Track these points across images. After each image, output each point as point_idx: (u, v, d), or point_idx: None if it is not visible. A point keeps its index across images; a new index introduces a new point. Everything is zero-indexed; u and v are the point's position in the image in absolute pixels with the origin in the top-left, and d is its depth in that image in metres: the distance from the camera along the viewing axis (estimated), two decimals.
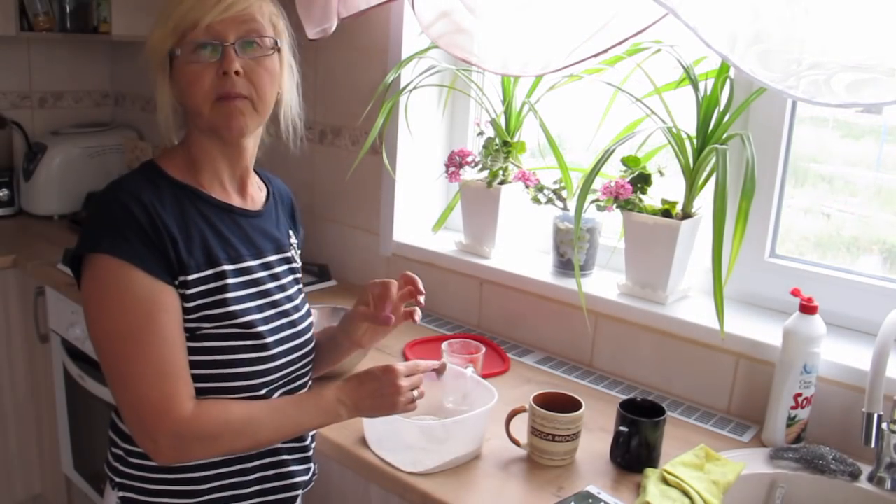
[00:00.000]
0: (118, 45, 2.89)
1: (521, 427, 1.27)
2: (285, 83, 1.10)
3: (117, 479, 1.10)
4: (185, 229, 1.02)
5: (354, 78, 2.05)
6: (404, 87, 1.84)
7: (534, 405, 1.25)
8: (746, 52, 1.17)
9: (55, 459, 2.34)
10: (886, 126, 1.50)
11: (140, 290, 0.97)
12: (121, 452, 1.11)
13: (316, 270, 2.12)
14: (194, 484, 1.06)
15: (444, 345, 1.49)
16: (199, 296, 1.02)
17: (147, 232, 0.98)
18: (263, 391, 1.07)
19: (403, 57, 1.88)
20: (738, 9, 1.18)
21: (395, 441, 1.23)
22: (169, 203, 1.02)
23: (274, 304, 1.11)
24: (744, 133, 1.44)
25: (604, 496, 1.15)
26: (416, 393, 1.12)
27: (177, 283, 1.00)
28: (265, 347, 1.07)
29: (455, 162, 1.84)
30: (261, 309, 1.08)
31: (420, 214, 2.05)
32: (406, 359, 1.64)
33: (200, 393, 1.01)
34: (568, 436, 1.24)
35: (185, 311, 1.01)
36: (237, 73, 1.01)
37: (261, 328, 1.07)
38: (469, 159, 1.84)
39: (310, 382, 1.21)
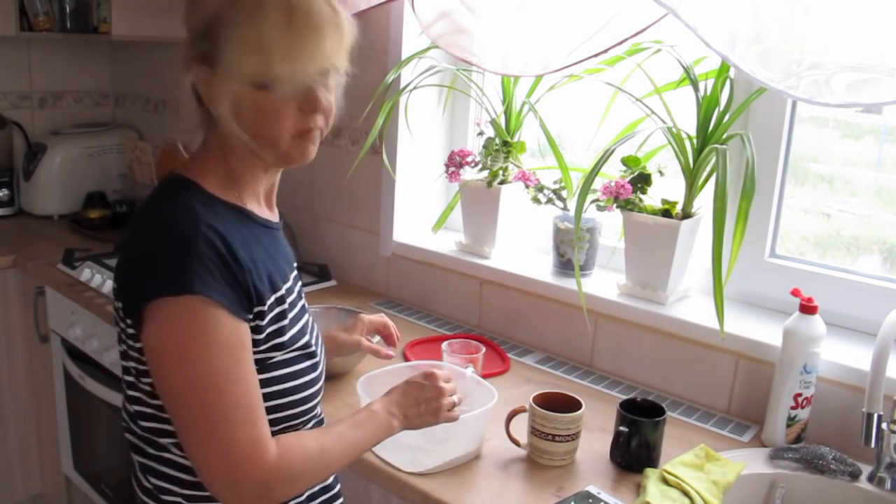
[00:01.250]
0: (118, 45, 2.89)
1: (521, 427, 1.27)
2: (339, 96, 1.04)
3: None
4: (251, 256, 0.95)
5: (354, 78, 2.05)
6: (404, 87, 1.84)
7: (534, 405, 1.25)
8: (746, 52, 1.17)
9: (55, 459, 2.34)
10: (886, 126, 1.50)
11: (225, 331, 0.89)
12: (179, 501, 1.01)
13: (316, 270, 2.12)
14: None
15: (444, 345, 1.49)
16: (270, 323, 0.97)
17: (231, 266, 0.91)
18: (317, 409, 1.06)
19: (403, 57, 1.88)
20: (738, 9, 1.18)
21: (395, 441, 1.23)
22: (232, 229, 0.94)
23: (309, 317, 1.09)
24: (744, 133, 1.44)
25: (604, 496, 1.15)
26: (454, 398, 1.13)
27: (252, 315, 0.94)
28: (317, 366, 1.05)
29: (455, 162, 1.84)
30: (308, 325, 1.06)
31: (420, 214, 2.05)
32: (406, 359, 1.64)
33: (271, 424, 0.95)
34: (568, 436, 1.24)
35: (256, 342, 0.95)
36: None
37: (313, 346, 1.05)
38: (469, 159, 1.84)
39: None
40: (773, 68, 1.17)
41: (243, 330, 0.92)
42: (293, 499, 1.04)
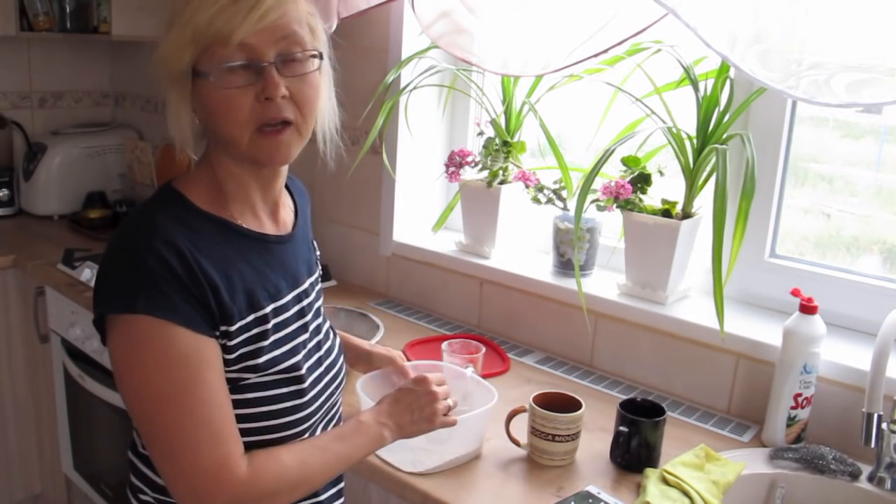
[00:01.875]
0: (118, 45, 2.89)
1: (521, 427, 1.27)
2: (324, 93, 0.98)
3: None
4: (225, 273, 0.90)
5: (354, 78, 2.05)
6: (404, 87, 1.84)
7: (534, 405, 1.25)
8: (746, 52, 1.17)
9: (55, 459, 2.34)
10: (886, 126, 1.50)
11: (183, 348, 0.86)
12: (151, 501, 1.01)
13: None
14: None
15: (444, 345, 1.49)
16: (243, 344, 0.92)
17: (186, 284, 0.86)
18: (307, 434, 1.00)
19: (403, 57, 1.88)
20: (738, 9, 1.18)
21: (395, 441, 1.23)
22: (206, 244, 0.90)
23: (312, 336, 1.04)
24: (744, 133, 1.44)
25: (604, 496, 1.15)
26: (449, 401, 1.11)
27: (218, 333, 0.89)
28: (303, 392, 0.98)
29: (455, 162, 1.84)
30: (303, 346, 1.00)
31: (420, 214, 2.05)
32: (406, 359, 1.63)
33: (245, 447, 0.91)
34: (568, 436, 1.24)
35: (226, 362, 0.91)
36: (283, 96, 0.88)
37: (303, 370, 0.98)
38: (469, 159, 1.84)
39: (341, 402, 1.15)
40: (773, 68, 1.17)
41: (208, 347, 0.88)
42: None
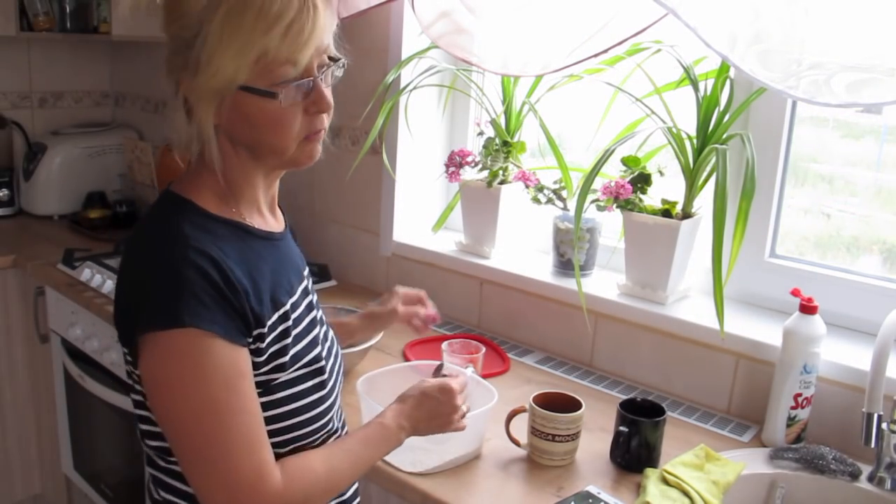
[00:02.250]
0: (118, 45, 2.89)
1: (521, 427, 1.27)
2: None
3: None
4: (251, 276, 0.91)
5: (354, 78, 2.04)
6: (404, 87, 1.84)
7: (534, 405, 1.25)
8: (746, 52, 1.17)
9: (55, 459, 2.34)
10: (886, 126, 1.50)
11: (221, 360, 0.86)
12: None
13: (316, 270, 2.12)
14: None
15: (444, 345, 1.49)
16: (272, 343, 0.92)
17: (224, 292, 0.86)
18: (330, 425, 1.01)
19: (403, 57, 1.88)
20: (738, 9, 1.18)
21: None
22: (231, 250, 0.90)
23: (321, 327, 1.05)
24: (744, 133, 1.44)
25: (604, 496, 1.15)
26: (465, 408, 1.12)
27: (251, 338, 0.90)
28: (325, 383, 1.00)
29: (455, 162, 1.84)
30: (318, 338, 1.02)
31: (420, 214, 2.05)
32: (406, 359, 1.64)
33: (276, 447, 0.92)
34: (568, 436, 1.24)
35: (258, 365, 0.91)
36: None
37: (323, 360, 1.00)
38: (469, 159, 1.84)
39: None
40: (773, 68, 1.17)
41: (241, 357, 0.88)
42: None
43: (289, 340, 0.95)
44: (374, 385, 1.27)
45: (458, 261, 1.88)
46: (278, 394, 0.94)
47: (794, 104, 1.50)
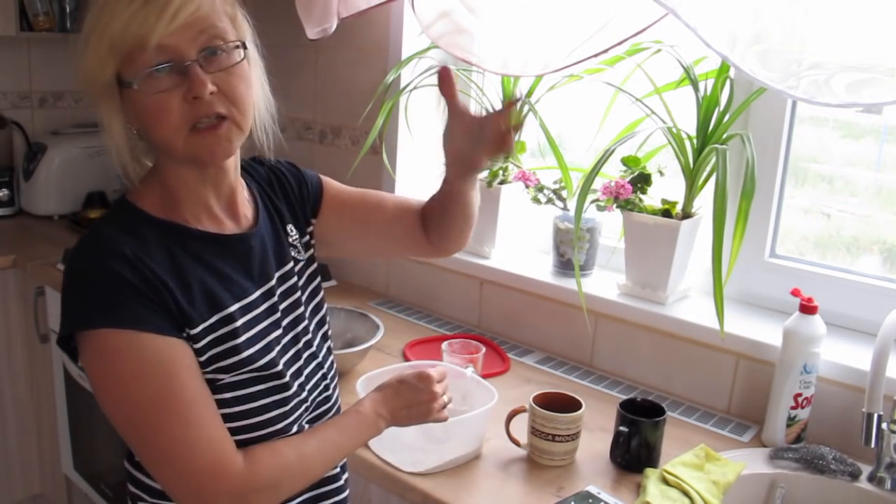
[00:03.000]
0: None
1: (521, 427, 1.27)
2: (256, 83, 0.95)
3: None
4: (179, 277, 0.89)
5: (354, 78, 2.05)
6: (404, 87, 1.84)
7: (534, 405, 1.25)
8: (746, 52, 1.17)
9: (55, 459, 2.34)
10: (886, 126, 1.50)
11: (152, 353, 0.85)
12: None
13: None
14: None
15: (444, 345, 1.49)
16: (210, 346, 0.90)
17: (140, 289, 0.85)
18: (294, 428, 0.98)
19: (403, 57, 1.88)
20: (738, 9, 1.18)
21: (395, 441, 1.23)
22: (155, 250, 0.89)
23: (287, 331, 1.01)
24: (744, 133, 1.44)
25: (604, 496, 1.15)
26: (445, 398, 1.11)
27: (185, 335, 0.88)
28: (287, 386, 0.97)
29: None
30: (277, 342, 0.98)
31: None
32: (406, 359, 1.64)
33: (237, 446, 0.91)
34: (568, 436, 1.24)
35: (199, 364, 0.89)
36: (211, 93, 0.85)
37: (280, 365, 0.96)
38: None
39: (336, 396, 1.11)
40: (773, 68, 1.17)
41: (177, 347, 0.86)
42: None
43: (236, 342, 0.92)
44: (374, 385, 1.26)
45: (458, 261, 1.88)
46: (224, 394, 0.91)
47: (794, 104, 1.50)
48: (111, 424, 0.88)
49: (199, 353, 0.89)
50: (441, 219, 1.18)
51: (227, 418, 0.91)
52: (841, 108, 1.45)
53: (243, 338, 0.93)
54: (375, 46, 1.96)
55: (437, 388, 1.08)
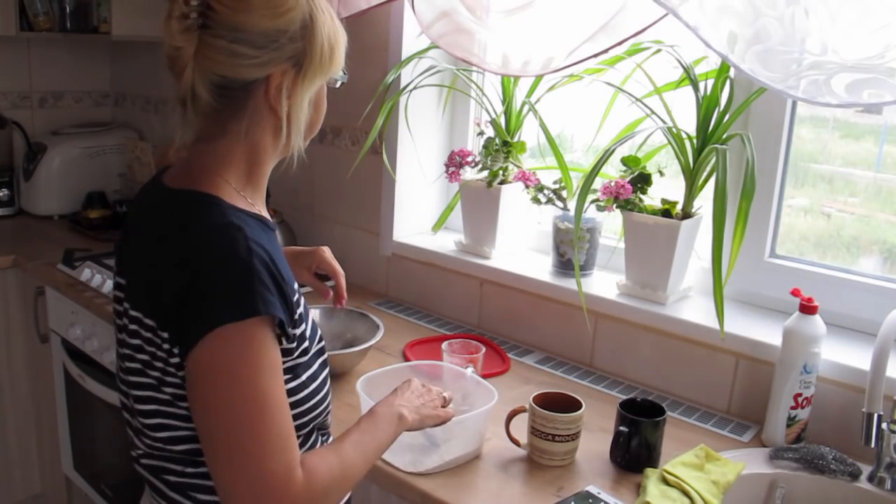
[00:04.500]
0: (118, 45, 2.89)
1: (521, 427, 1.27)
2: None
3: None
4: (284, 266, 0.92)
5: (354, 78, 2.04)
6: (404, 87, 1.84)
7: (534, 405, 1.25)
8: (746, 52, 1.17)
9: (55, 459, 2.34)
10: (886, 126, 1.50)
11: (274, 352, 0.87)
12: None
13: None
14: None
15: (444, 345, 1.49)
16: (297, 326, 0.94)
17: (278, 281, 0.88)
18: (329, 417, 1.06)
19: (403, 57, 1.88)
20: (738, 9, 1.18)
21: (395, 441, 1.23)
22: (266, 241, 0.91)
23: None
24: (744, 133, 1.44)
25: (604, 496, 1.15)
26: (445, 394, 1.16)
27: (291, 331, 0.92)
28: (327, 362, 1.05)
29: (455, 162, 1.84)
30: (316, 329, 1.04)
31: (420, 214, 2.05)
32: (406, 359, 1.64)
33: (301, 428, 0.97)
34: (568, 436, 1.24)
35: (289, 351, 0.93)
36: None
37: (324, 341, 1.04)
38: (469, 159, 1.84)
39: None
40: (773, 68, 1.17)
41: (278, 352, 0.89)
42: None
43: (305, 324, 0.97)
44: (374, 385, 1.27)
45: (458, 261, 1.88)
46: (303, 375, 0.97)
47: (794, 104, 1.50)
48: (194, 417, 0.88)
49: (294, 338, 0.93)
50: None
51: (305, 400, 0.97)
52: (841, 108, 1.44)
53: (307, 324, 0.99)
54: (375, 46, 1.96)
55: (421, 385, 1.15)
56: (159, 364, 0.90)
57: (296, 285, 0.97)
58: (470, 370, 1.37)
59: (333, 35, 0.95)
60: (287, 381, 0.92)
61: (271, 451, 0.85)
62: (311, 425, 1.00)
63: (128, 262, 1.00)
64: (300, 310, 0.95)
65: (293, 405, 0.94)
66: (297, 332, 0.94)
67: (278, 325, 0.88)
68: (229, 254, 0.86)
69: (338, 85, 1.02)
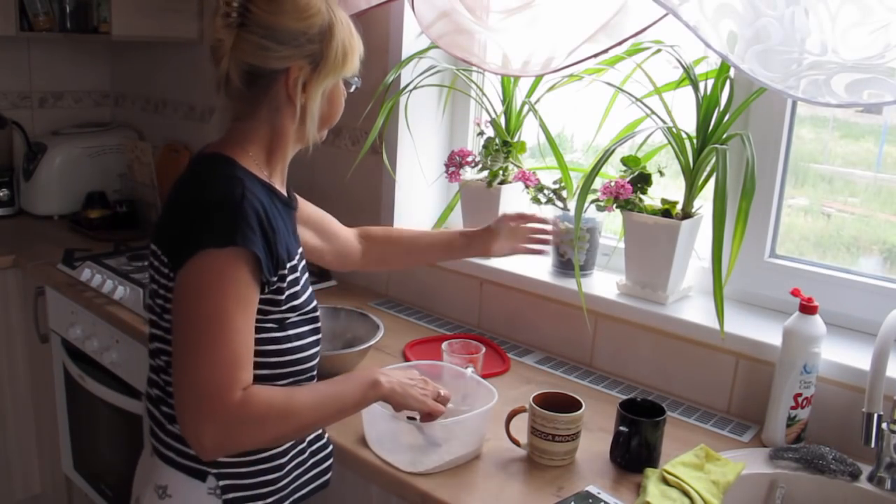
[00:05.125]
0: (118, 45, 2.89)
1: (521, 427, 1.27)
2: None
3: (213, 471, 1.10)
4: (277, 226, 1.07)
5: None
6: (404, 87, 1.84)
7: (534, 405, 1.25)
8: (746, 52, 1.17)
9: (55, 459, 2.34)
10: (886, 126, 1.50)
11: (246, 284, 1.00)
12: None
13: (316, 270, 2.12)
14: (279, 458, 1.14)
15: (444, 345, 1.49)
16: (289, 286, 1.09)
17: (266, 230, 1.02)
18: (316, 370, 1.17)
19: (403, 57, 1.88)
20: (738, 9, 1.18)
21: (395, 441, 1.23)
22: (265, 200, 1.06)
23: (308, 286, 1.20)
24: (744, 133, 1.44)
25: (604, 496, 1.15)
26: (442, 391, 1.21)
27: (276, 277, 1.05)
28: (317, 330, 1.18)
29: (455, 162, 1.84)
30: (314, 294, 1.19)
31: (420, 214, 2.05)
32: (406, 359, 1.64)
33: (278, 378, 1.09)
34: (568, 436, 1.24)
35: (277, 303, 1.07)
36: None
37: (318, 313, 1.18)
38: (469, 159, 1.84)
39: None
40: (773, 68, 1.17)
41: (256, 292, 1.02)
42: (269, 449, 1.13)
43: (299, 287, 1.12)
44: None
45: (459, 261, 1.88)
46: (290, 331, 1.10)
47: (794, 104, 1.50)
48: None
49: (282, 291, 1.07)
50: (407, 255, 1.58)
51: (286, 352, 1.09)
52: (841, 108, 1.44)
53: (302, 283, 1.14)
54: (375, 46, 1.96)
55: (418, 374, 1.22)
56: (163, 292, 1.06)
57: (297, 251, 1.14)
58: (470, 370, 1.37)
59: (349, 43, 1.12)
60: (271, 331, 1.08)
61: (215, 366, 0.97)
62: (290, 378, 1.11)
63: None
64: (294, 274, 1.11)
65: (275, 353, 1.08)
66: (283, 285, 1.07)
67: (257, 265, 1.01)
68: (223, 195, 1.02)
69: (352, 89, 1.18)
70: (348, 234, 1.53)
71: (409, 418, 1.21)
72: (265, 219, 1.03)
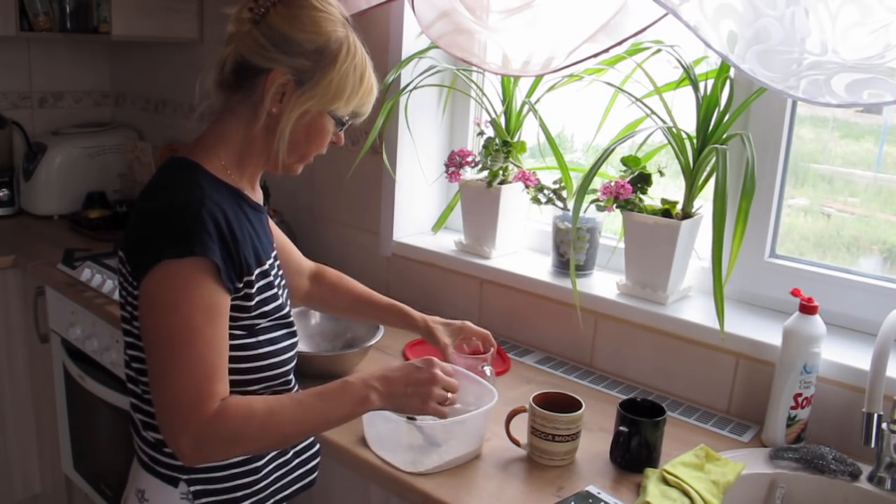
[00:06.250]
0: (118, 45, 2.89)
1: (521, 427, 1.27)
2: None
3: (184, 477, 1.10)
4: (243, 232, 1.07)
5: None
6: (404, 87, 1.84)
7: (534, 405, 1.25)
8: (746, 52, 1.17)
9: (55, 459, 2.34)
10: (886, 126, 1.50)
11: (210, 294, 1.00)
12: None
13: None
14: (255, 461, 1.13)
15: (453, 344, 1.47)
16: (259, 292, 1.09)
17: (226, 238, 1.02)
18: (292, 376, 1.17)
19: (403, 57, 1.88)
20: (738, 9, 1.18)
21: (395, 441, 1.23)
22: (230, 207, 1.06)
23: (285, 293, 1.20)
24: (744, 133, 1.44)
25: (604, 496, 1.15)
26: (451, 396, 1.14)
27: (242, 283, 1.05)
28: (293, 334, 1.17)
29: (455, 162, 1.84)
30: (287, 300, 1.19)
31: (420, 214, 2.05)
32: (406, 359, 1.64)
33: (252, 384, 1.09)
34: (568, 436, 1.24)
35: (246, 309, 1.07)
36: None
37: (291, 318, 1.18)
38: (469, 159, 1.84)
39: None
40: (773, 68, 1.17)
41: (225, 300, 1.02)
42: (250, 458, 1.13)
43: (271, 293, 1.12)
44: None
45: (458, 261, 1.88)
46: (260, 337, 1.10)
47: (794, 104, 1.50)
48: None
49: (251, 297, 1.07)
50: (351, 310, 1.52)
51: (258, 357, 1.09)
52: (841, 108, 1.44)
53: (276, 288, 1.14)
54: (375, 46, 1.95)
55: (438, 371, 1.12)
56: (131, 299, 1.06)
57: (270, 254, 1.15)
58: (487, 369, 1.37)
59: (351, 84, 1.10)
60: (242, 337, 1.07)
61: (187, 380, 0.97)
62: (263, 384, 1.11)
63: None
64: (265, 279, 1.11)
65: (245, 360, 1.08)
66: (252, 291, 1.06)
67: (218, 272, 1.00)
68: (182, 202, 1.02)
69: (341, 130, 1.15)
70: (301, 268, 1.48)
71: (409, 418, 1.21)
72: (225, 226, 1.02)
